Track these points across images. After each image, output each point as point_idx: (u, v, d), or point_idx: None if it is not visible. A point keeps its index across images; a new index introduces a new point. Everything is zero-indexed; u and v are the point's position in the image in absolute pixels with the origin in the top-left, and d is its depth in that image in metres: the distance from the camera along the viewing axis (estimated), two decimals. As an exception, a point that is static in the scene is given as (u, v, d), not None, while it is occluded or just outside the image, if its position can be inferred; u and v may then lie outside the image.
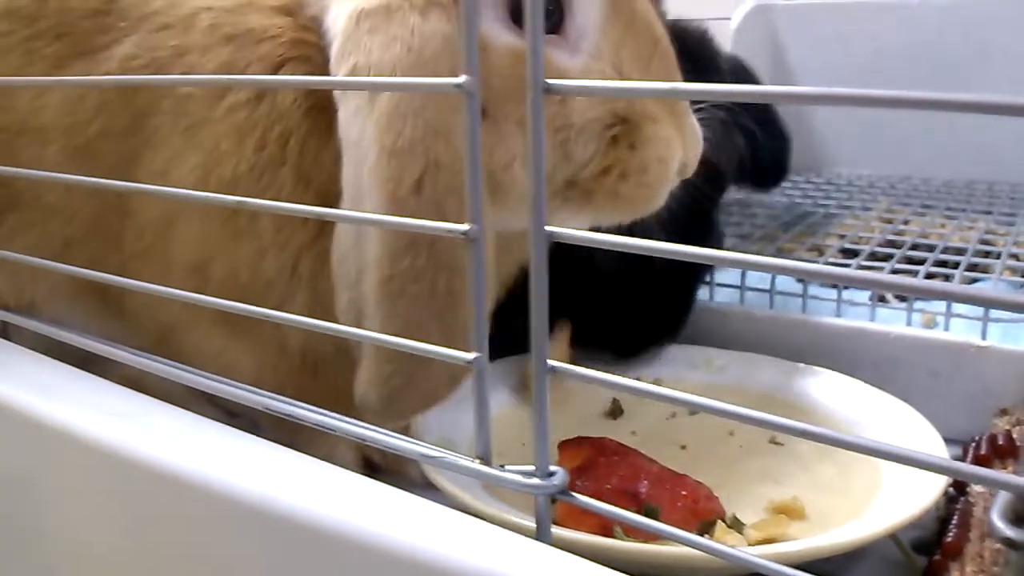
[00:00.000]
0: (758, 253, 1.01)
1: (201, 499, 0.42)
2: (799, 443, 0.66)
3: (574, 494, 0.40)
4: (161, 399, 0.51)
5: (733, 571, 0.52)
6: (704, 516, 0.55)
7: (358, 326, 0.52)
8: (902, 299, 0.87)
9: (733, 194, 1.12)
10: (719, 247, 0.83)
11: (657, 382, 0.76)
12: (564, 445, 0.62)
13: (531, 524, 0.41)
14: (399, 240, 0.51)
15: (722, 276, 0.88)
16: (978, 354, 0.73)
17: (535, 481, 0.39)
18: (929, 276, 0.89)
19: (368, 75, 0.52)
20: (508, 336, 0.49)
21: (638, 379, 0.58)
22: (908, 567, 0.56)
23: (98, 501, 0.48)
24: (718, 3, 1.50)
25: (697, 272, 0.81)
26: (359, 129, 0.52)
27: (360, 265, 0.52)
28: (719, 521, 0.55)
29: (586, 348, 0.77)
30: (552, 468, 0.39)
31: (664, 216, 0.60)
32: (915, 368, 0.75)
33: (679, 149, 0.59)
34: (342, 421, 0.46)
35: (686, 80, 0.61)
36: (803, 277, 0.82)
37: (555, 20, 0.55)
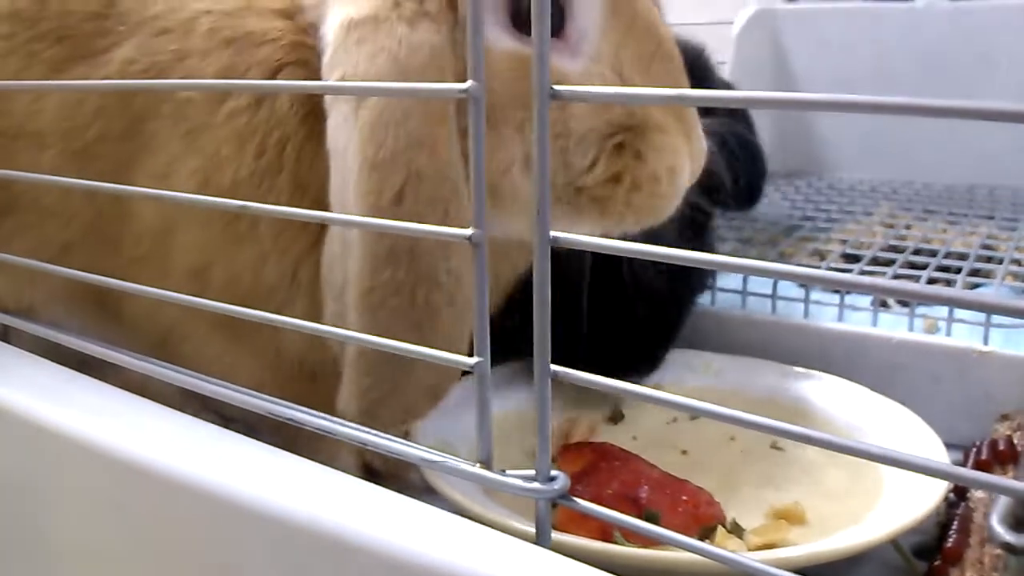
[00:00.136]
0: (760, 258, 1.01)
1: (200, 502, 0.42)
2: (800, 448, 0.66)
3: (575, 499, 0.40)
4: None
5: (734, 576, 0.52)
6: (705, 521, 0.55)
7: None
8: (904, 304, 0.87)
9: (729, 218, 1.14)
10: (716, 252, 0.82)
11: (658, 387, 0.76)
12: (565, 450, 0.62)
13: (531, 529, 0.41)
14: (379, 252, 0.51)
15: (724, 281, 0.88)
16: (980, 359, 0.73)
17: (536, 485, 0.39)
18: (931, 281, 0.89)
19: (363, 100, 0.52)
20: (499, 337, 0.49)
21: (639, 383, 0.58)
22: (908, 572, 0.56)
23: (97, 504, 0.48)
24: (720, 7, 1.50)
25: (684, 301, 0.79)
26: (344, 139, 0.52)
27: (344, 276, 0.53)
28: (720, 526, 0.55)
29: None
30: (553, 472, 0.40)
31: (656, 230, 0.60)
32: (917, 373, 0.75)
33: (687, 159, 0.58)
34: (343, 425, 0.46)
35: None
36: (805, 282, 0.82)
37: (555, 23, 0.55)
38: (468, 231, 0.38)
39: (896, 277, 0.89)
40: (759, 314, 0.84)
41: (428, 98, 0.52)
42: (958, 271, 0.91)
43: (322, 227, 0.56)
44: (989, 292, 0.87)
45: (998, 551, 0.49)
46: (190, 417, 0.49)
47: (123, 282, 0.53)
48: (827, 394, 0.72)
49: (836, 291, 0.86)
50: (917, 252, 1.00)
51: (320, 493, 0.41)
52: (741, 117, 1.08)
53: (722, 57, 1.41)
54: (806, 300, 0.83)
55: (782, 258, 1.02)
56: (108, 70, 0.59)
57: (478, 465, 0.41)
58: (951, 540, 0.52)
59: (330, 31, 0.54)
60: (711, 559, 0.37)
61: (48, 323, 0.61)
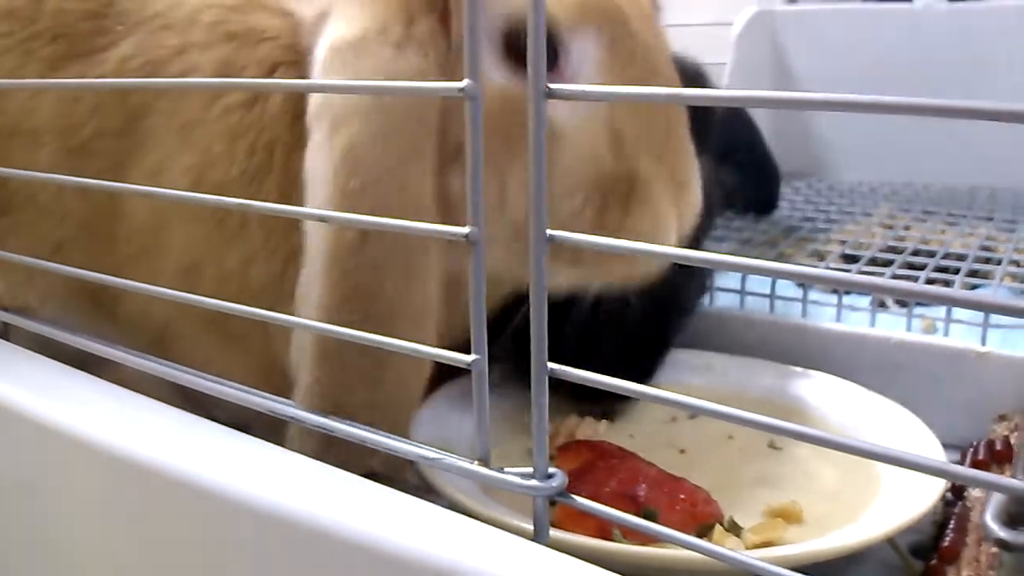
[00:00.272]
0: (758, 258, 1.01)
1: (199, 499, 0.42)
2: (798, 447, 0.67)
3: (573, 496, 0.40)
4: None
5: (731, 574, 0.52)
6: (702, 519, 0.55)
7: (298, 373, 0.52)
8: (902, 304, 0.87)
9: (729, 219, 1.16)
10: (707, 278, 0.82)
11: (656, 386, 0.76)
12: (563, 448, 0.62)
13: (529, 526, 0.41)
14: (336, 294, 0.50)
15: (722, 280, 0.88)
16: (978, 360, 0.73)
17: (534, 483, 0.39)
18: (929, 282, 0.89)
19: (331, 113, 0.51)
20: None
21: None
22: (905, 571, 0.56)
23: (96, 501, 0.49)
24: (720, 9, 1.50)
25: (661, 339, 0.76)
26: (318, 164, 0.52)
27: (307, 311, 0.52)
28: (717, 524, 0.55)
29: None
30: (551, 470, 0.40)
31: None
32: (915, 373, 0.75)
33: (674, 218, 0.58)
34: (340, 423, 0.46)
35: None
36: (803, 281, 0.82)
37: (550, 58, 0.54)
38: (465, 229, 0.38)
39: (895, 277, 0.89)
40: (757, 314, 0.84)
41: (423, 96, 0.52)
42: (956, 272, 0.91)
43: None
44: (987, 292, 0.88)
45: (994, 550, 0.49)
46: (189, 414, 0.49)
47: (118, 279, 0.53)
48: (825, 394, 0.73)
49: (835, 291, 0.86)
50: (916, 253, 1.00)
51: (318, 490, 0.41)
52: (748, 124, 1.09)
53: (721, 58, 1.41)
54: (804, 300, 0.83)
55: (781, 258, 1.02)
56: (105, 68, 0.59)
57: (476, 462, 0.41)
58: (948, 539, 0.53)
59: (320, 50, 0.53)
60: (709, 556, 0.38)
61: (45, 321, 0.61)
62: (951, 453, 0.64)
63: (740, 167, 0.87)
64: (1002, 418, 0.68)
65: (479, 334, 0.39)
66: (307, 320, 0.51)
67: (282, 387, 0.60)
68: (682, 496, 0.55)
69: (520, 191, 0.55)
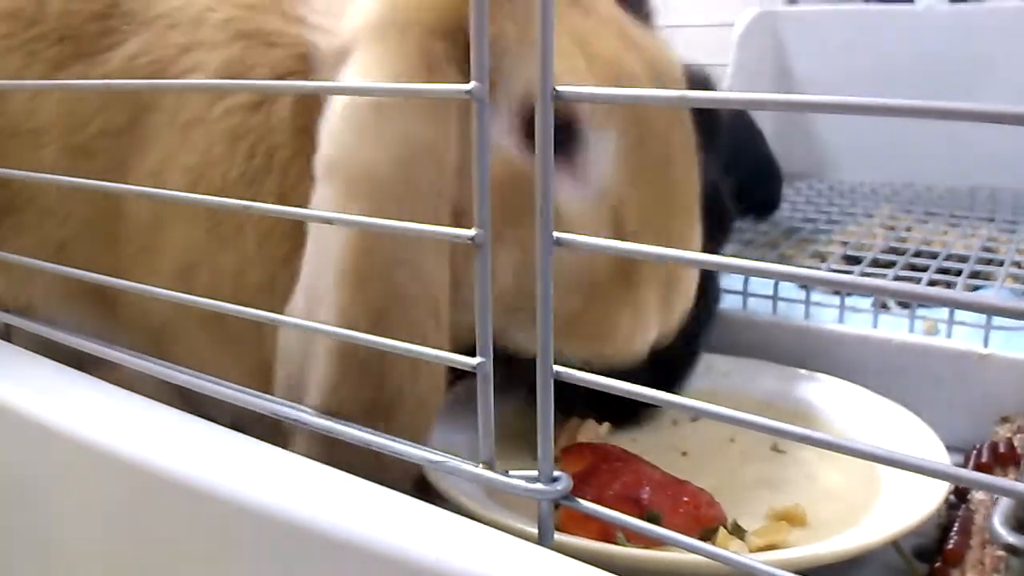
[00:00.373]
0: (760, 260, 1.01)
1: (200, 501, 0.42)
2: (800, 450, 0.67)
3: (577, 499, 0.40)
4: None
5: (735, 577, 0.52)
6: (706, 522, 0.55)
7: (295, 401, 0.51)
8: (904, 306, 0.87)
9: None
10: (719, 288, 0.82)
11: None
12: (566, 451, 0.62)
13: (533, 529, 0.41)
14: (346, 370, 0.49)
15: (724, 282, 0.88)
16: (980, 362, 0.73)
17: (539, 486, 0.39)
18: (931, 283, 0.89)
19: (345, 174, 0.50)
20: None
21: None
22: (909, 574, 0.56)
23: (97, 502, 0.49)
24: (722, 9, 1.50)
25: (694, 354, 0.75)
26: (327, 230, 0.50)
27: (303, 378, 0.51)
28: (721, 528, 0.55)
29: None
30: (555, 473, 0.40)
31: None
32: (917, 375, 0.75)
33: (655, 325, 0.57)
34: (343, 425, 0.46)
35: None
36: (806, 283, 0.82)
37: (567, 146, 0.55)
38: (471, 231, 0.38)
39: (897, 279, 0.89)
40: (759, 315, 0.84)
41: (428, 98, 0.51)
42: (958, 273, 0.91)
43: (301, 238, 0.55)
44: (990, 294, 0.87)
45: (999, 552, 0.49)
46: (190, 416, 0.49)
47: (116, 280, 0.53)
48: (827, 396, 0.73)
49: (837, 292, 0.86)
50: (918, 254, 1.00)
51: (319, 492, 0.41)
52: (750, 125, 1.09)
53: (723, 60, 1.41)
54: (807, 301, 0.83)
55: (783, 260, 1.02)
56: (110, 67, 0.59)
57: (481, 466, 0.41)
58: (952, 542, 0.52)
59: (339, 103, 0.51)
60: (713, 560, 0.38)
61: (46, 321, 0.62)
62: (954, 455, 0.64)
63: (742, 168, 0.87)
64: (1005, 420, 0.68)
65: (484, 337, 0.39)
66: (306, 320, 0.51)
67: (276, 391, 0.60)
68: (686, 499, 0.55)
69: (520, 260, 0.54)
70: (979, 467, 0.61)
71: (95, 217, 0.61)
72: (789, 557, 0.50)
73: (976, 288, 0.89)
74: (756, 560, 0.37)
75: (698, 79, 0.85)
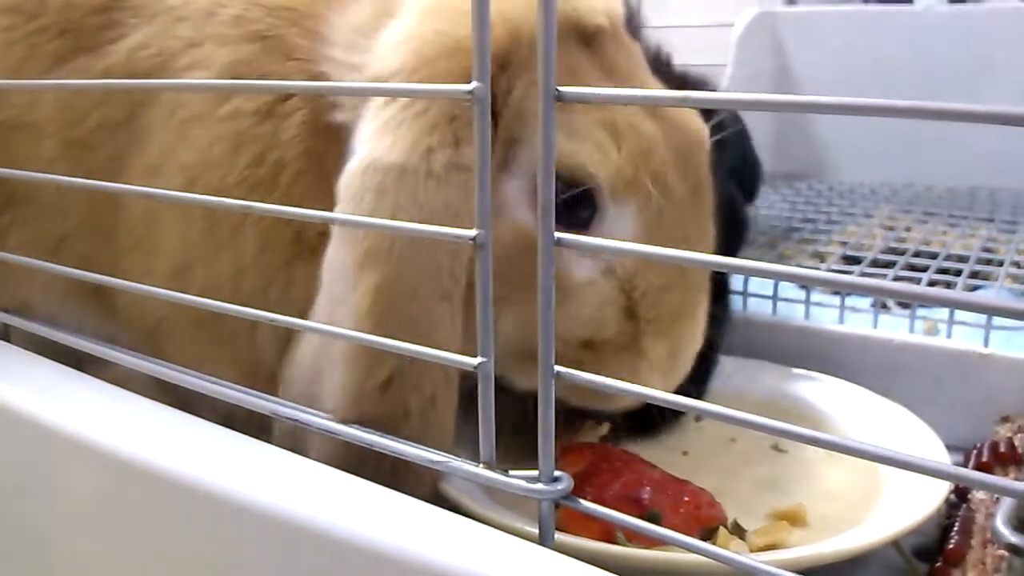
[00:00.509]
0: (760, 260, 1.01)
1: (198, 501, 0.42)
2: (801, 450, 0.67)
3: (578, 499, 0.40)
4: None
5: (735, 577, 0.52)
6: (706, 522, 0.55)
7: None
8: (904, 306, 0.87)
9: None
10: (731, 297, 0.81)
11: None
12: (566, 451, 0.62)
13: (533, 529, 0.41)
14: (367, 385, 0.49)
15: (724, 283, 0.88)
16: (980, 362, 0.73)
17: (539, 486, 0.39)
18: (931, 283, 0.89)
19: (366, 240, 0.49)
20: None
21: None
22: (910, 573, 0.56)
23: (95, 502, 0.49)
24: (721, 10, 1.50)
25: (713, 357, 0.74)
26: (340, 291, 0.49)
27: (318, 388, 0.51)
28: (721, 527, 0.55)
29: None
30: (556, 473, 0.40)
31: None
32: (917, 375, 0.75)
33: (659, 382, 0.56)
34: (348, 426, 0.46)
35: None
36: (806, 283, 0.82)
37: (585, 217, 0.54)
38: (472, 232, 0.38)
39: (897, 279, 0.89)
40: (760, 315, 0.84)
41: (430, 96, 0.51)
42: (958, 273, 0.91)
43: (299, 248, 0.55)
44: (990, 294, 0.87)
45: (1001, 552, 0.49)
46: (190, 416, 0.49)
47: (115, 279, 0.53)
48: (827, 396, 0.73)
49: (837, 293, 0.86)
50: (917, 254, 1.00)
51: (321, 492, 0.41)
52: (736, 118, 1.08)
53: (722, 60, 1.41)
54: (807, 302, 0.83)
55: (782, 260, 1.02)
56: (114, 59, 0.59)
57: (481, 466, 0.41)
58: (953, 541, 0.52)
59: (357, 161, 0.50)
60: (714, 559, 0.38)
61: (44, 317, 0.62)
62: (954, 455, 0.64)
63: (729, 162, 0.87)
64: (1005, 420, 0.68)
65: (486, 337, 0.39)
66: (304, 321, 0.51)
67: (268, 389, 0.60)
68: (686, 499, 0.55)
69: (524, 322, 0.52)
70: (980, 467, 0.61)
71: (93, 212, 0.61)
72: (789, 557, 0.50)
73: (976, 288, 0.89)
74: (757, 560, 0.37)
75: (693, 82, 0.85)
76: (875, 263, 0.97)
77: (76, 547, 0.50)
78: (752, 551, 0.54)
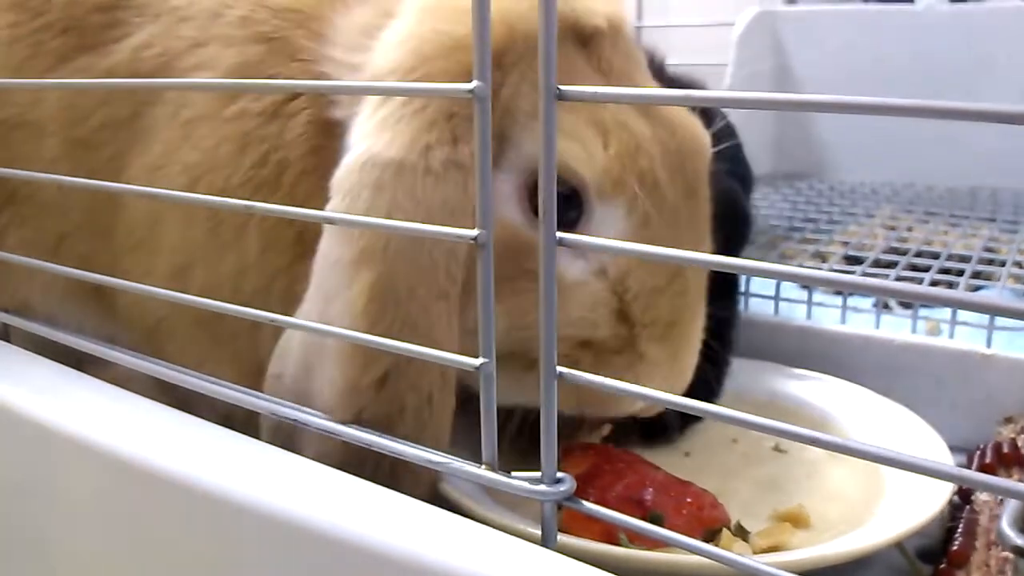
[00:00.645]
0: (761, 260, 1.01)
1: (198, 501, 0.42)
2: (803, 450, 0.66)
3: (581, 501, 0.40)
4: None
5: (738, 579, 0.52)
6: (709, 524, 0.55)
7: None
8: (906, 306, 0.87)
9: None
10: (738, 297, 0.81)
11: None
12: (568, 452, 0.61)
13: (535, 531, 0.41)
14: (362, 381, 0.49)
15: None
16: (983, 362, 0.73)
17: (542, 488, 0.39)
18: (933, 283, 0.89)
19: (362, 238, 0.48)
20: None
21: None
22: (912, 575, 0.56)
23: (95, 502, 0.48)
24: (722, 9, 1.50)
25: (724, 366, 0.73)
26: (335, 285, 0.49)
27: (309, 384, 0.51)
28: (724, 529, 0.55)
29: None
30: (559, 475, 0.39)
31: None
32: (919, 376, 0.75)
33: (657, 385, 0.55)
34: (347, 426, 0.46)
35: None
36: (808, 283, 0.82)
37: (572, 216, 0.53)
38: (473, 232, 0.38)
39: (898, 279, 0.89)
40: (761, 316, 0.84)
41: (431, 96, 0.51)
42: (960, 273, 0.91)
43: (301, 248, 0.55)
44: (992, 294, 0.87)
45: (1005, 554, 0.49)
46: (190, 416, 0.49)
47: (115, 279, 0.53)
48: (829, 396, 0.72)
49: (839, 293, 0.85)
50: (919, 254, 1.00)
51: (323, 494, 0.41)
52: (722, 115, 1.08)
53: (723, 59, 1.41)
54: (809, 302, 0.83)
55: (784, 260, 1.02)
56: (117, 58, 0.59)
57: (484, 467, 0.40)
58: (957, 543, 0.52)
59: (354, 156, 0.50)
60: (717, 561, 0.37)
61: (44, 317, 0.61)
62: (957, 456, 0.64)
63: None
64: (1008, 420, 0.68)
65: (487, 338, 0.38)
66: (302, 321, 0.51)
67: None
68: (689, 500, 0.55)
69: (509, 323, 0.53)
70: (983, 468, 0.61)
71: (94, 211, 0.61)
72: (793, 559, 0.50)
73: (978, 288, 0.89)
74: (759, 562, 0.37)
75: (690, 86, 0.85)
76: (877, 263, 0.96)
77: (76, 547, 0.50)
78: (755, 553, 0.53)
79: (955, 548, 0.52)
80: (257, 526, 0.41)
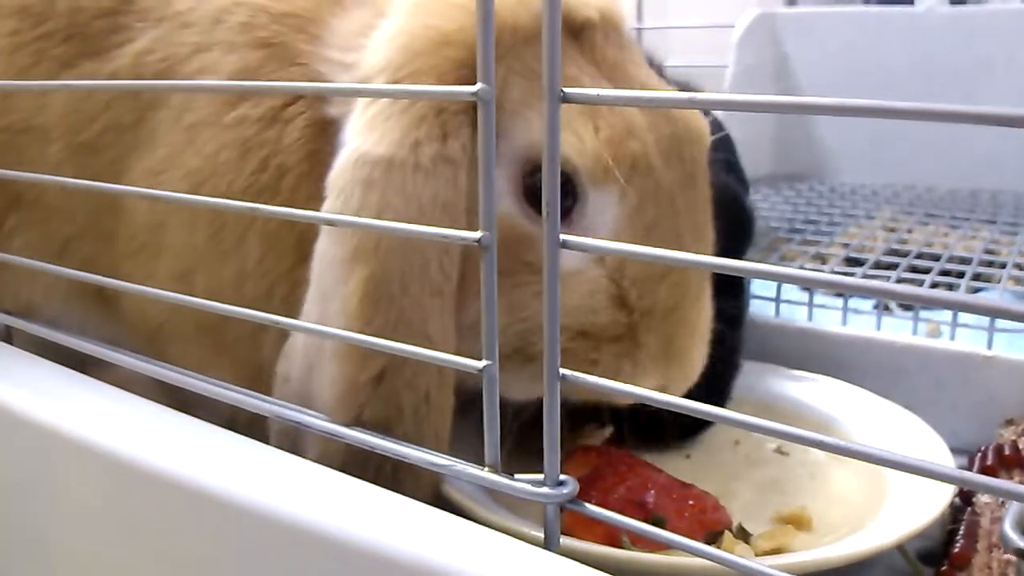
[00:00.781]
0: (762, 262, 1.01)
1: (199, 502, 0.42)
2: (804, 453, 0.66)
3: (584, 503, 0.40)
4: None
5: (740, 581, 0.52)
6: (711, 526, 0.55)
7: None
8: (907, 308, 0.87)
9: None
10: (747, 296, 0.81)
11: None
12: (571, 455, 0.61)
13: (537, 533, 0.41)
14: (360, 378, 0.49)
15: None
16: (983, 364, 0.73)
17: (545, 490, 0.39)
18: (934, 285, 0.89)
19: (355, 236, 0.49)
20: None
21: None
22: (914, 577, 0.56)
23: (96, 503, 0.48)
24: (722, 11, 1.50)
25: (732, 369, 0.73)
26: (330, 284, 0.49)
27: (311, 384, 0.51)
28: (726, 531, 0.55)
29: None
30: (562, 477, 0.39)
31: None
32: (920, 378, 0.75)
33: (656, 378, 0.55)
34: (349, 428, 0.46)
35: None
36: (809, 285, 0.82)
37: (567, 205, 0.52)
38: (477, 234, 0.38)
39: (899, 281, 0.89)
40: (762, 318, 0.84)
41: (434, 99, 0.51)
42: (961, 275, 0.91)
43: (301, 252, 0.55)
44: (993, 296, 0.87)
45: (1007, 556, 0.49)
46: (190, 418, 0.49)
47: (115, 280, 0.53)
48: (831, 398, 0.72)
49: (839, 295, 0.86)
50: (919, 256, 1.00)
51: (324, 495, 0.41)
52: (717, 124, 1.08)
53: (723, 61, 1.41)
54: (810, 304, 0.83)
55: (784, 262, 1.02)
56: (120, 63, 0.59)
57: (487, 469, 0.41)
58: (958, 545, 0.52)
59: (347, 154, 0.50)
60: (719, 563, 0.37)
61: (47, 319, 0.61)
62: (958, 458, 0.64)
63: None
64: (1009, 422, 0.68)
65: (490, 339, 0.39)
66: (305, 323, 0.51)
67: (270, 393, 0.60)
68: (691, 502, 0.55)
69: (513, 319, 0.53)
70: (984, 470, 0.61)
71: (97, 214, 0.61)
72: (795, 561, 0.50)
73: (978, 290, 0.89)
74: (762, 564, 0.37)
75: (686, 88, 0.85)
76: (877, 265, 0.97)
77: (76, 548, 0.50)
78: (757, 555, 0.53)
79: (956, 550, 0.52)
80: (258, 528, 0.41)
